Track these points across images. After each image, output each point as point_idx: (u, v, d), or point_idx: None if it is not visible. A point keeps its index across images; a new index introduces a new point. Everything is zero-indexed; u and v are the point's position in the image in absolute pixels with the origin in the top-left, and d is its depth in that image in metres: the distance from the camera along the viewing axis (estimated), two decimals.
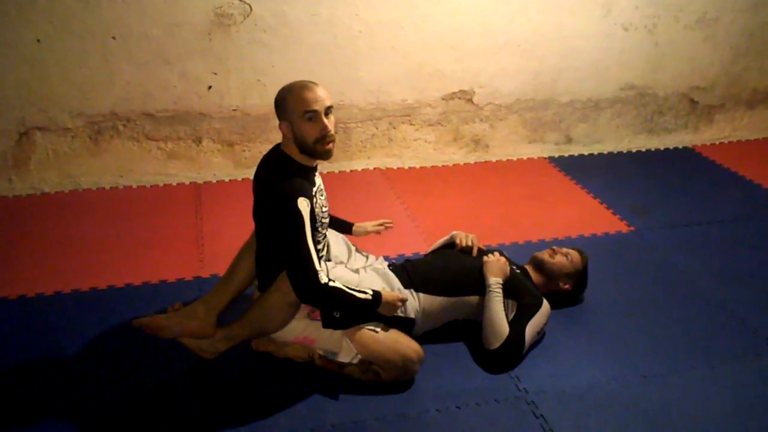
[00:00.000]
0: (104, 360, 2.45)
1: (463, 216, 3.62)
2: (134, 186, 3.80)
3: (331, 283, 2.16)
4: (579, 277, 2.80)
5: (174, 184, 3.85)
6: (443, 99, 4.15)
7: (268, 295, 2.28)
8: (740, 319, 2.85)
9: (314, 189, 2.26)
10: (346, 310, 2.29)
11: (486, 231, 3.38)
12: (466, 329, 2.63)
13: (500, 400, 2.35)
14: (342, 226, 2.75)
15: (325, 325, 2.32)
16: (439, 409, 2.30)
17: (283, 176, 2.19)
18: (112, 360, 2.46)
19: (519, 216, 3.67)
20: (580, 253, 2.84)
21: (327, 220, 2.39)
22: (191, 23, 3.53)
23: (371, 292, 2.26)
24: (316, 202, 2.24)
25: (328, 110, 2.16)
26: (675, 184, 4.16)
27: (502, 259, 2.66)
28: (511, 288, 2.59)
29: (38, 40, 3.39)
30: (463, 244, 2.78)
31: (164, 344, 2.44)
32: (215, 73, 3.69)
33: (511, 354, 2.47)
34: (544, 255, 2.81)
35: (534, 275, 2.79)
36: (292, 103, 2.14)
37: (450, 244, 2.86)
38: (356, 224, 2.77)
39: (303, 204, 2.13)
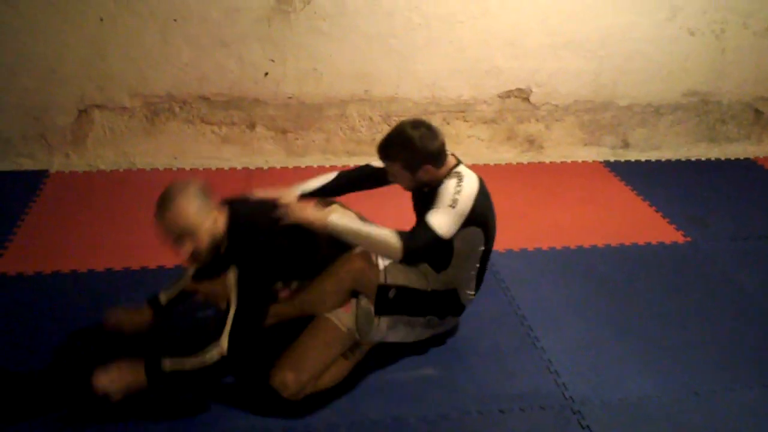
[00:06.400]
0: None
1: (513, 217, 3.55)
2: (187, 168, 3.83)
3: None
4: None
5: (226, 168, 3.87)
6: (499, 97, 4.08)
7: (323, 279, 2.31)
8: None
9: None
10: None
11: (536, 233, 3.32)
12: (508, 329, 2.58)
13: (545, 407, 2.30)
14: None
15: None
16: (481, 411, 2.26)
17: None
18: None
19: (571, 220, 3.58)
20: None
21: None
22: (251, 8, 3.52)
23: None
24: None
25: None
26: (734, 196, 4.01)
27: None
28: None
29: (101, 19, 3.42)
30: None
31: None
32: (272, 60, 3.69)
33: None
34: None
35: None
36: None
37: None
38: None
39: None
